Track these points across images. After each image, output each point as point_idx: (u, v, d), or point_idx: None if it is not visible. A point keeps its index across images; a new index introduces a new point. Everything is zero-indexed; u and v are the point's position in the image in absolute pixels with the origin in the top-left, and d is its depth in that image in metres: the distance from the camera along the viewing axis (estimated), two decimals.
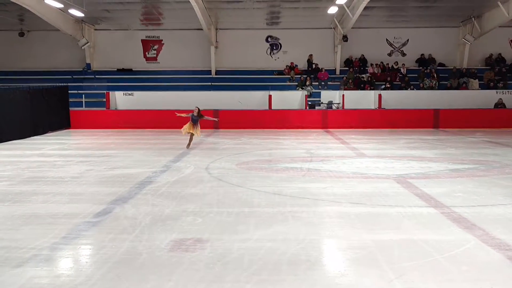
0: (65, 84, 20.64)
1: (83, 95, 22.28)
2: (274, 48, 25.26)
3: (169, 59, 24.96)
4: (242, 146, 13.77)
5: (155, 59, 25.38)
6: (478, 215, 5.82)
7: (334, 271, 4.20)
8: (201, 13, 20.29)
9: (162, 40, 25.31)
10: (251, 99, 21.60)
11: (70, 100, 20.46)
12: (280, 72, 24.45)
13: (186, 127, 12.96)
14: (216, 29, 24.61)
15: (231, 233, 5.18)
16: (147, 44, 25.37)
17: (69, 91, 20.41)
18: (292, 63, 24.53)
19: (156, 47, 25.40)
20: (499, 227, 5.28)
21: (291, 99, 21.71)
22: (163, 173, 9.03)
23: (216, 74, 24.65)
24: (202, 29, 22.59)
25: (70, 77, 23.62)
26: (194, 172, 9.15)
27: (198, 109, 13.06)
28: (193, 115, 12.99)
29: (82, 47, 23.90)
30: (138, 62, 25.17)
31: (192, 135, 13.02)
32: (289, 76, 24.09)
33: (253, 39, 24.88)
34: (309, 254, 4.48)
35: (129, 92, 21.71)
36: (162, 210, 6.16)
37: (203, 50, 24.67)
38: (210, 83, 23.99)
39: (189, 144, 13.16)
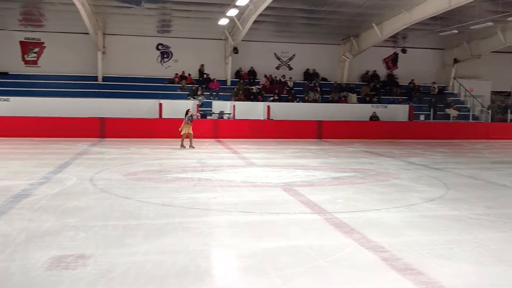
0: None
1: None
2: (165, 56, 24.93)
3: (52, 63, 23.38)
4: (131, 156, 13.32)
5: (35, 62, 23.60)
6: (357, 220, 6.24)
7: (223, 282, 4.21)
8: (87, 17, 19.35)
9: (43, 42, 23.64)
10: (141, 107, 21.06)
11: None
12: (171, 81, 24.18)
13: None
14: (104, 34, 23.64)
15: (117, 247, 4.95)
16: (26, 46, 23.50)
17: None
18: (183, 72, 24.40)
19: (36, 50, 23.64)
20: (374, 231, 5.71)
21: (183, 108, 21.51)
22: (42, 185, 8.37)
23: (103, 81, 23.60)
24: (88, 33, 21.54)
25: None
26: (77, 183, 8.62)
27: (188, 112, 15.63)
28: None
29: None
30: (15, 65, 23.20)
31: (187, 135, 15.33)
32: (181, 85, 23.92)
33: (143, 46, 24.32)
34: (198, 265, 4.44)
35: (5, 97, 19.92)
36: (39, 225, 5.69)
37: (89, 55, 23.51)
38: (96, 90, 22.89)
39: (185, 144, 15.40)
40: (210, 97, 23.30)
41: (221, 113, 21.86)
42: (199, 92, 22.91)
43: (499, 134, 23.30)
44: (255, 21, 20.01)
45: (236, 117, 21.51)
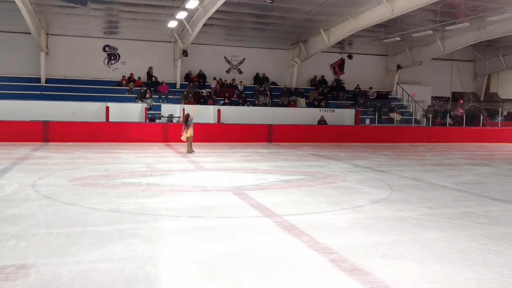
0: None
1: None
2: (112, 58, 24.35)
3: None
4: (76, 161, 12.89)
5: None
6: (306, 222, 6.34)
7: None
8: (29, 16, 18.56)
9: None
10: (87, 111, 20.44)
11: None
12: (118, 83, 23.62)
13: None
14: (47, 34, 22.79)
15: (61, 255, 4.77)
16: None
17: None
18: (132, 74, 23.92)
19: None
20: (322, 233, 5.82)
21: (130, 111, 21.15)
22: None
23: (46, 83, 22.74)
24: (30, 33, 20.68)
25: None
26: (18, 190, 8.23)
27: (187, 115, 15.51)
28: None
29: None
30: None
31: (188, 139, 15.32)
32: (128, 87, 23.43)
33: (89, 48, 23.64)
34: (147, 272, 4.36)
35: None
36: None
37: (31, 56, 22.59)
38: (39, 92, 22.01)
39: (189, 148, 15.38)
40: (159, 100, 22.97)
41: (170, 117, 21.59)
42: (147, 95, 22.53)
43: (438, 137, 24.44)
44: (204, 24, 19.94)
45: None
